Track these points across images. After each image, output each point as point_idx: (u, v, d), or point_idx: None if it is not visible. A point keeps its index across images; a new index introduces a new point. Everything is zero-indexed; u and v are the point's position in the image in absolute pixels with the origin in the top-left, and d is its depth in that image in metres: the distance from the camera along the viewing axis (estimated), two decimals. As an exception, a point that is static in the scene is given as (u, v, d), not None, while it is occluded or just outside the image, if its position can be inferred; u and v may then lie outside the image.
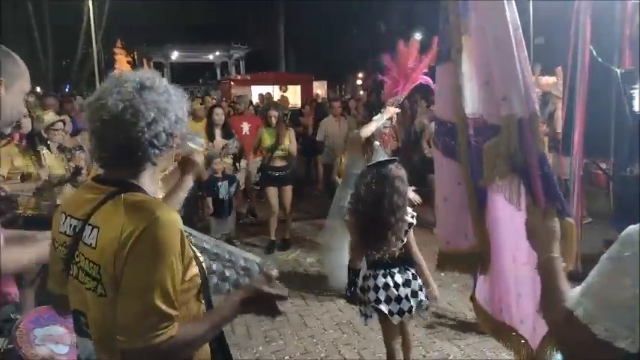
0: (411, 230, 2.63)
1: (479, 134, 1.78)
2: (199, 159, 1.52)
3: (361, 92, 15.57)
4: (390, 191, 2.48)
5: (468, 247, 1.90)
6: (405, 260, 2.64)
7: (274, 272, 1.27)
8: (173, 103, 1.18)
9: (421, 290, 2.60)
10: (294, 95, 14.06)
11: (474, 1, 1.61)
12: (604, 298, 0.93)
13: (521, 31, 1.50)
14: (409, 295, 2.55)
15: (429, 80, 3.90)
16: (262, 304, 1.24)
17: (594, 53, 3.52)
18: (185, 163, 1.67)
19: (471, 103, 1.81)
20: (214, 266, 1.52)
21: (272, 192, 5.23)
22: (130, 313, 1.05)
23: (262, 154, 5.34)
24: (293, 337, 3.48)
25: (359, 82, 21.59)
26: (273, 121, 5.18)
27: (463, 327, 3.48)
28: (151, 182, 1.22)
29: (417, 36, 20.49)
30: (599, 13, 3.53)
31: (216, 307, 1.22)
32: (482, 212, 1.83)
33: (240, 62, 21.48)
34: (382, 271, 2.58)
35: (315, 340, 3.45)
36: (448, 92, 1.89)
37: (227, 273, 1.50)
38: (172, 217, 1.09)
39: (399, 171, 2.56)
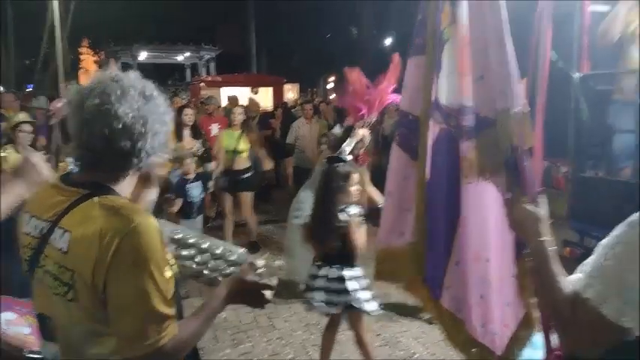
0: (358, 229, 2.67)
1: (457, 127, 1.78)
2: (162, 172, 1.48)
3: (333, 96, 15.64)
4: (324, 187, 2.62)
5: (402, 245, 1.90)
6: (348, 258, 2.71)
7: (260, 262, 1.28)
8: (168, 113, 1.20)
9: (361, 291, 2.67)
10: (265, 98, 14.00)
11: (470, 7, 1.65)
12: (618, 280, 0.96)
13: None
14: (343, 290, 2.65)
15: (397, 99, 3.92)
16: (249, 294, 1.26)
17: (554, 59, 3.65)
18: (146, 178, 1.52)
19: (446, 94, 1.79)
20: (199, 258, 1.53)
21: (227, 196, 5.10)
22: (129, 322, 1.05)
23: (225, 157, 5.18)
24: (261, 340, 3.46)
25: (331, 85, 21.70)
26: (237, 118, 5.04)
27: (428, 325, 3.53)
28: (129, 186, 1.22)
29: (388, 41, 20.74)
30: (559, 21, 3.65)
31: (206, 301, 1.23)
32: (448, 207, 1.84)
33: (211, 63, 21.24)
34: (324, 265, 2.72)
35: (283, 341, 3.44)
36: (417, 86, 1.89)
37: (216, 264, 1.52)
38: (151, 221, 1.09)
39: (342, 169, 2.69)
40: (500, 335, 1.70)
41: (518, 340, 1.64)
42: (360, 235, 2.68)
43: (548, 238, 1.23)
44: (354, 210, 2.70)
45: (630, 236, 0.98)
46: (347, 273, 2.67)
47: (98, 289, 1.04)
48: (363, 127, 3.93)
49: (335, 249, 2.66)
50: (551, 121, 3.75)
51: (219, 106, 8.46)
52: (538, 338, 1.53)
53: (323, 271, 2.71)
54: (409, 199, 1.92)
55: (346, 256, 2.70)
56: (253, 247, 5.29)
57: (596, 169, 3.64)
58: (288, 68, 19.14)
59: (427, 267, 1.89)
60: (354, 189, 2.70)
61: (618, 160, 3.46)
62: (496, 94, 1.52)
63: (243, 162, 5.10)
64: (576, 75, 3.58)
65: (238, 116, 5.05)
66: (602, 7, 3.63)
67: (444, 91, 1.79)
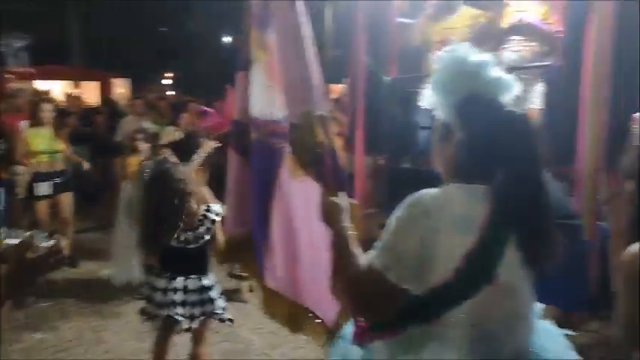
0: (217, 230, 2.56)
1: (273, 134, 2.00)
2: None
3: (172, 92, 14.93)
4: (165, 188, 2.44)
5: (244, 232, 2.10)
6: (203, 266, 2.58)
7: (30, 236, 1.17)
8: None
9: (214, 301, 2.53)
10: (90, 93, 12.73)
11: (275, 19, 1.88)
12: (396, 250, 1.15)
13: (313, 44, 1.77)
14: (205, 300, 2.50)
15: None
16: (33, 274, 1.18)
17: (369, 64, 4.06)
18: None
19: (259, 105, 2.06)
20: None
21: (43, 204, 4.58)
22: None
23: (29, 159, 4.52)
24: (86, 356, 3.18)
25: (168, 81, 20.71)
26: (47, 115, 4.49)
27: (264, 316, 3.61)
28: None
29: (226, 38, 20.58)
30: (374, 29, 4.08)
31: None
32: (264, 202, 2.02)
33: (22, 53, 18.46)
34: (176, 276, 2.50)
35: (111, 354, 3.22)
36: (243, 96, 2.15)
37: None
38: None
39: (180, 169, 2.55)
40: (330, 312, 1.89)
41: (343, 315, 1.83)
42: (221, 234, 2.56)
43: (347, 225, 1.39)
44: (218, 209, 2.56)
45: (402, 213, 1.17)
46: (207, 282, 2.52)
47: None
48: (212, 139, 3.95)
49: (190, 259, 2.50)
50: (368, 119, 4.18)
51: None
52: None
53: (177, 283, 2.47)
54: (246, 193, 2.16)
55: (202, 264, 2.55)
56: (72, 262, 4.78)
57: (406, 160, 4.16)
58: (120, 62, 17.66)
59: (255, 251, 2.15)
60: (197, 188, 2.59)
61: (422, 152, 4.00)
62: (300, 101, 1.75)
63: (57, 164, 4.56)
64: (386, 78, 4.04)
65: (47, 113, 4.48)
66: (407, 20, 4.15)
67: (256, 105, 2.06)
